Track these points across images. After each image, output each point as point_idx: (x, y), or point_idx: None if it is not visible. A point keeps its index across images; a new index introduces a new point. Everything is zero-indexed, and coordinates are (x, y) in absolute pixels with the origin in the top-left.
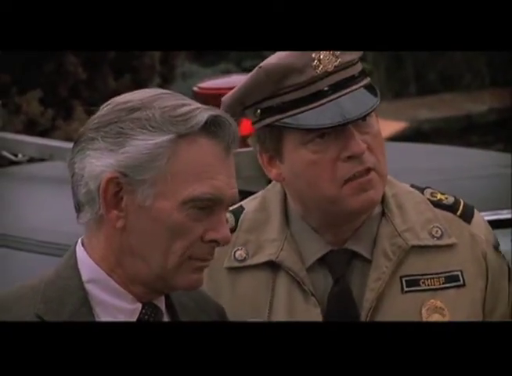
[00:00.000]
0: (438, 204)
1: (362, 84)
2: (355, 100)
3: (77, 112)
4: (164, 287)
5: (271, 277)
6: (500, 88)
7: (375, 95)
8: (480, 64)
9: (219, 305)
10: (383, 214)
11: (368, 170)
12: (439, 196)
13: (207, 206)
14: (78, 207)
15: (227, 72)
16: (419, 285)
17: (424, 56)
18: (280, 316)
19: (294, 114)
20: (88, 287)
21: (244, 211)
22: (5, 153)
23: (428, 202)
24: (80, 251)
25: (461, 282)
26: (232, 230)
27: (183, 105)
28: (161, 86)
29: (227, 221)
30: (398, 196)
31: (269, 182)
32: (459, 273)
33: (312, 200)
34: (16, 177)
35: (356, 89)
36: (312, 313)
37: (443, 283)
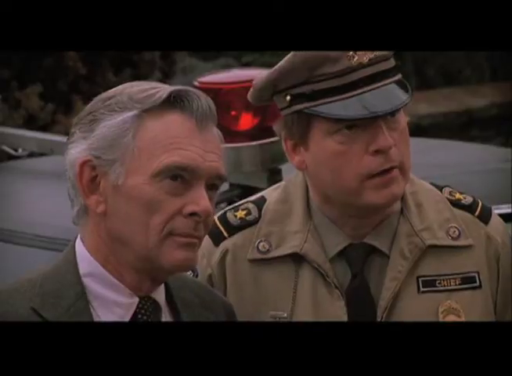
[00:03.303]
0: (456, 204)
1: (394, 79)
2: (387, 95)
3: (77, 107)
4: (153, 269)
5: (294, 269)
6: (501, 82)
7: (406, 91)
8: (480, 58)
9: (227, 303)
10: (401, 211)
11: (393, 168)
12: (457, 195)
13: (181, 177)
14: (72, 205)
15: (227, 66)
16: (435, 285)
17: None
18: (304, 308)
19: (325, 103)
20: (86, 281)
21: (266, 202)
22: (5, 148)
23: (447, 201)
24: (78, 245)
25: (477, 283)
26: (256, 221)
27: (153, 88)
28: (161, 81)
29: (250, 212)
30: (417, 194)
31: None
32: (475, 275)
33: (333, 191)
34: (16, 171)
35: (388, 84)
36: (336, 306)
37: (459, 284)
